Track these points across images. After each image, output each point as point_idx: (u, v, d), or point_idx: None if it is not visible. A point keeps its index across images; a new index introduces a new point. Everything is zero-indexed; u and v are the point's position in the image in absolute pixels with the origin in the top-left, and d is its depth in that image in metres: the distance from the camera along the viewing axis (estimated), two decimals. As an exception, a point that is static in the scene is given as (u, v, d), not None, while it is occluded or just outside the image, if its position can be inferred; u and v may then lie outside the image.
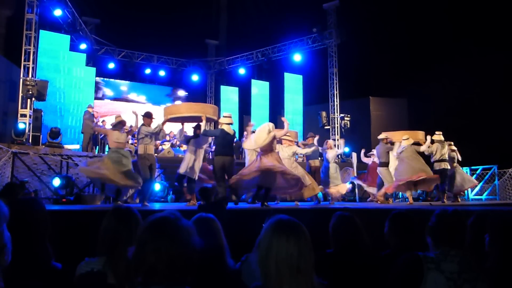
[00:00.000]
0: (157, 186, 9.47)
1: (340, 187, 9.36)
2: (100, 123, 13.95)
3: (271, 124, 7.46)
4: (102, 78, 18.36)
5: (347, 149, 15.96)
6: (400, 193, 10.64)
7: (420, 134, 9.69)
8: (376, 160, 9.78)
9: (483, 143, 14.12)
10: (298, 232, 1.54)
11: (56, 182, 8.14)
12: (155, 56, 19.13)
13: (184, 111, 7.98)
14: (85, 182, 9.37)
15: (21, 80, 11.90)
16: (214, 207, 4.86)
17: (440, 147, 9.20)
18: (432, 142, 9.23)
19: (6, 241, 1.32)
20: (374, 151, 9.96)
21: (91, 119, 12.20)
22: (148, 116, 7.53)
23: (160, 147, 13.84)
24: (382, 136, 9.43)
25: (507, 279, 2.03)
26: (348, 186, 10.10)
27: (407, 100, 18.01)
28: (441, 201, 9.22)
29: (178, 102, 19.07)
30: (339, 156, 12.48)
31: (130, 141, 12.85)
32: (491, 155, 12.93)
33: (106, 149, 13.51)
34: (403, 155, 8.87)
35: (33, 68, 12.40)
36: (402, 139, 9.04)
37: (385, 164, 9.23)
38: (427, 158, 9.35)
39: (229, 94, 19.29)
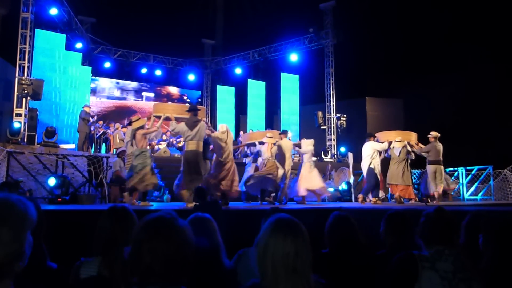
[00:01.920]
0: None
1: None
2: (97, 123, 13.92)
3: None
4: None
5: (343, 149, 16.00)
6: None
7: (413, 135, 9.65)
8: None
9: (479, 144, 14.19)
10: (296, 231, 1.53)
11: (52, 181, 8.10)
12: (151, 55, 19.11)
13: (172, 111, 7.85)
14: (81, 182, 9.34)
15: (16, 79, 11.84)
16: (210, 206, 4.86)
17: None
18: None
19: (26, 247, 1.30)
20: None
21: (87, 118, 12.16)
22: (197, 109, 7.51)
23: (156, 147, 13.80)
24: (435, 133, 9.27)
25: (501, 279, 2.04)
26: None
27: (403, 101, 18.07)
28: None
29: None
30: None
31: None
32: (486, 156, 12.99)
33: (103, 148, 13.50)
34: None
35: (28, 67, 12.34)
36: (395, 141, 9.09)
37: (438, 162, 9.18)
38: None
39: (226, 94, 19.29)
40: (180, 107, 7.90)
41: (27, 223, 1.27)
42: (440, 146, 9.29)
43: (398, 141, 9.12)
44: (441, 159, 9.27)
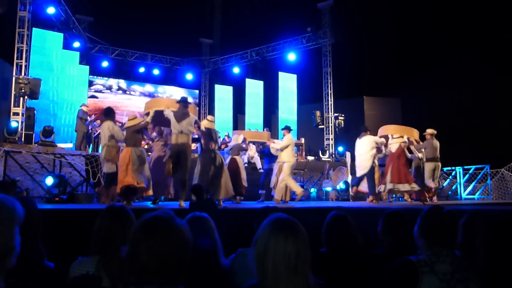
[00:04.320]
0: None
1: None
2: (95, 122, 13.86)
3: None
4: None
5: (341, 148, 16.01)
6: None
7: (415, 132, 9.61)
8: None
9: (476, 143, 14.23)
10: (297, 231, 1.53)
11: (49, 181, 8.09)
12: (149, 54, 19.07)
13: (165, 105, 7.45)
14: (78, 181, 9.32)
15: (13, 78, 11.79)
16: (205, 205, 4.85)
17: None
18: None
19: (16, 244, 1.32)
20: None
21: (84, 117, 12.13)
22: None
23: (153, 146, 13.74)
24: (431, 131, 9.13)
25: (497, 279, 2.04)
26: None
27: (400, 100, 18.09)
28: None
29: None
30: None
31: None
32: (483, 155, 13.03)
33: (100, 148, 13.45)
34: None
35: (25, 66, 12.29)
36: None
37: (436, 159, 9.09)
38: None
39: (223, 93, 19.28)
40: (174, 102, 7.68)
41: (15, 219, 1.31)
42: (437, 143, 9.12)
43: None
44: (439, 156, 9.13)
